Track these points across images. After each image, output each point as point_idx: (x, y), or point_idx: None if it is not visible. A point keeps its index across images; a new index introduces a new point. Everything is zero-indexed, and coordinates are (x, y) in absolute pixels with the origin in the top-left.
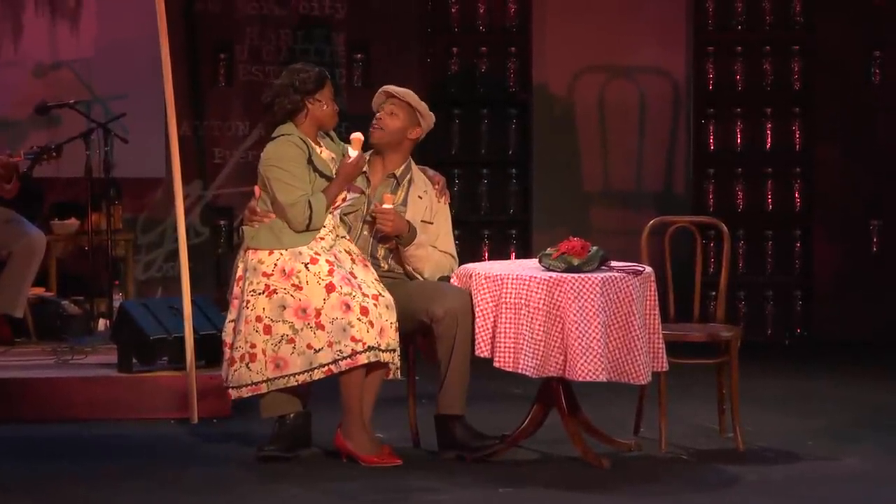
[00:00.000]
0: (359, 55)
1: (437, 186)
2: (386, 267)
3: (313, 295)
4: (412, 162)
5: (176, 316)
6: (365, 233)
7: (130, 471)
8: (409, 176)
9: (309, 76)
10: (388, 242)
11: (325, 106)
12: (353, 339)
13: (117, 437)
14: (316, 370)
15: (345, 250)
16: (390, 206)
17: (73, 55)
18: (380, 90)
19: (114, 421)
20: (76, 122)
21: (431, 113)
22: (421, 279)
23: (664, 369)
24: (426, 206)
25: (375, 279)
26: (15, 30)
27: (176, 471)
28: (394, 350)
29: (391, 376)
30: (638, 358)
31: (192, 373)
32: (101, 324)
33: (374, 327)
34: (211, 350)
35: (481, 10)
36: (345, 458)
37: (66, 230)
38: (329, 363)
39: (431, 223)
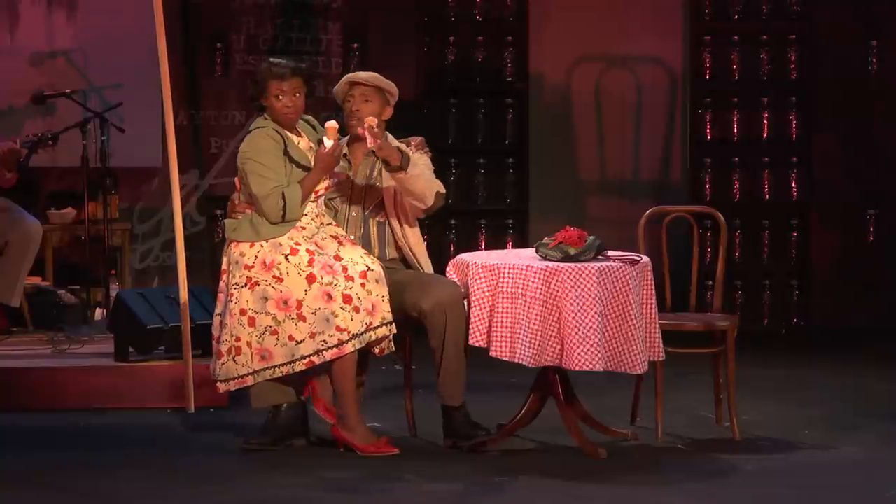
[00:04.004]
0: (355, 45)
1: (413, 144)
2: (377, 252)
3: (294, 286)
4: (388, 135)
5: (172, 305)
6: (353, 214)
7: (127, 460)
8: None
9: (258, 76)
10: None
11: (278, 103)
12: (338, 329)
13: (114, 426)
14: (297, 362)
15: (330, 236)
16: (374, 119)
17: (70, 44)
18: (342, 81)
19: (110, 410)
20: (72, 111)
21: (394, 85)
22: (421, 205)
23: (661, 359)
24: None
25: (364, 254)
26: (11, 18)
27: (173, 460)
28: (390, 322)
29: (385, 351)
30: (635, 347)
31: (189, 362)
32: (98, 313)
33: (360, 312)
34: (208, 339)
35: (478, 0)
36: (341, 448)
37: (62, 219)
38: (311, 354)
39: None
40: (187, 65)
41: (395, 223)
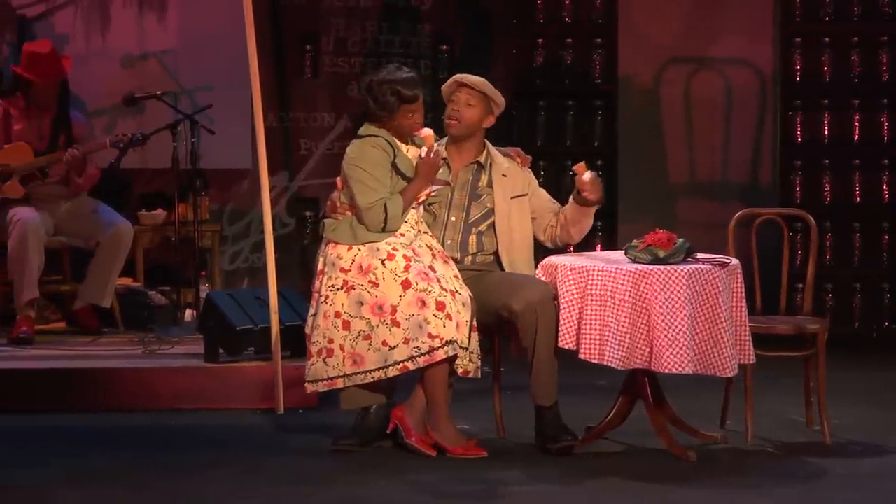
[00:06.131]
0: (444, 47)
1: (518, 159)
2: (470, 260)
3: (389, 292)
4: (489, 144)
5: (262, 307)
6: (452, 219)
7: (216, 460)
8: (489, 159)
9: (383, 97)
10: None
11: (408, 121)
12: (430, 336)
13: (203, 426)
14: (391, 367)
15: (426, 245)
16: (590, 174)
17: (160, 46)
18: (452, 79)
19: (200, 411)
20: (161, 112)
21: (502, 97)
22: (578, 237)
23: (751, 362)
24: (512, 182)
25: (455, 276)
26: (103, 21)
27: (261, 460)
28: (464, 348)
29: (471, 374)
30: (724, 350)
31: (278, 363)
32: (188, 314)
33: (452, 321)
34: (297, 340)
35: (567, 2)
36: (434, 453)
37: (153, 221)
38: (404, 360)
39: (525, 194)
40: (277, 67)
41: (504, 236)
